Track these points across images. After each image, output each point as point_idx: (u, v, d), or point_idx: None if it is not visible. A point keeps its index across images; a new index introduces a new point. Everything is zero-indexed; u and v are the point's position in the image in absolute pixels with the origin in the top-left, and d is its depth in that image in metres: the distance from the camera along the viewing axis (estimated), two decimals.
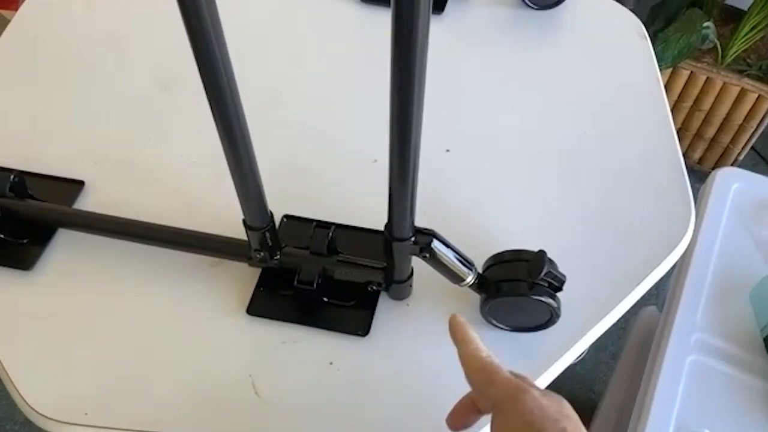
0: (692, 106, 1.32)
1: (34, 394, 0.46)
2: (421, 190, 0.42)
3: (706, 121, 1.33)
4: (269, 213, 0.47)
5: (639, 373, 0.64)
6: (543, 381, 0.48)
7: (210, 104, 0.37)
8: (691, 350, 0.59)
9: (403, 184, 0.41)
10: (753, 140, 1.30)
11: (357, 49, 0.72)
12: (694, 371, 0.57)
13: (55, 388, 0.46)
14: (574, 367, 1.15)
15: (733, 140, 1.32)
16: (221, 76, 0.34)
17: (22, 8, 0.73)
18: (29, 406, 0.46)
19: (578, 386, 1.15)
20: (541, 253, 0.45)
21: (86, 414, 0.45)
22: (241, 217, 0.46)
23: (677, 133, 0.66)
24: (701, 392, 0.57)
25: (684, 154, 1.41)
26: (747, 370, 0.57)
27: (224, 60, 0.34)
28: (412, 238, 0.44)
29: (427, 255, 0.45)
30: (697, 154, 1.40)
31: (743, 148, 1.32)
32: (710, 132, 1.34)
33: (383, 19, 0.74)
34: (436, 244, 0.45)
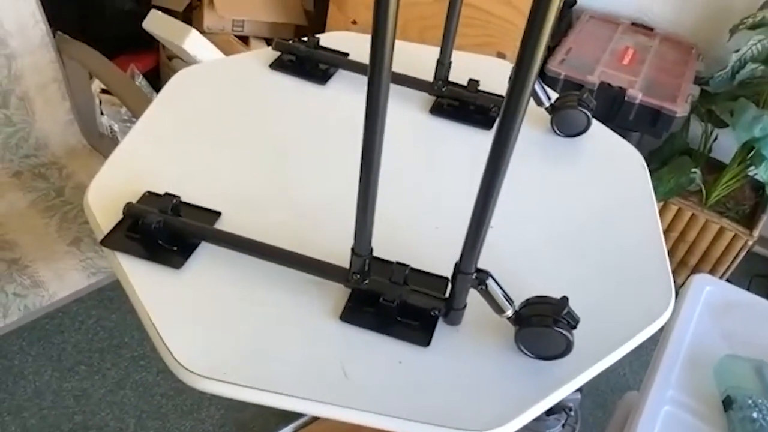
0: (678, 237, 1.54)
1: (184, 355, 0.62)
2: None
3: (689, 251, 1.54)
4: (371, 247, 0.66)
5: None
6: (551, 399, 0.65)
7: (361, 172, 0.58)
8: (666, 402, 0.76)
9: (476, 238, 0.60)
10: (728, 272, 1.51)
11: (424, 149, 0.93)
12: (668, 420, 0.74)
13: (197, 353, 0.63)
14: None
15: (712, 270, 1.52)
16: (375, 159, 0.56)
17: (168, 86, 0.95)
18: (178, 362, 0.62)
19: None
20: (565, 298, 0.64)
21: (224, 373, 0.61)
22: (334, 253, 0.65)
23: None
24: None
25: None
26: (708, 423, 0.74)
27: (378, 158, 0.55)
28: (474, 274, 0.63)
29: (483, 287, 0.63)
30: (681, 279, 1.61)
31: (720, 278, 1.53)
32: (693, 261, 1.55)
33: (446, 127, 0.96)
34: (490, 281, 0.63)
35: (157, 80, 1.79)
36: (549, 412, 1.24)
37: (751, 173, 1.48)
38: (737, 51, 1.49)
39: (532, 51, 0.47)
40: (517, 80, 0.49)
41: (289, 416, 1.34)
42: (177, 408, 1.33)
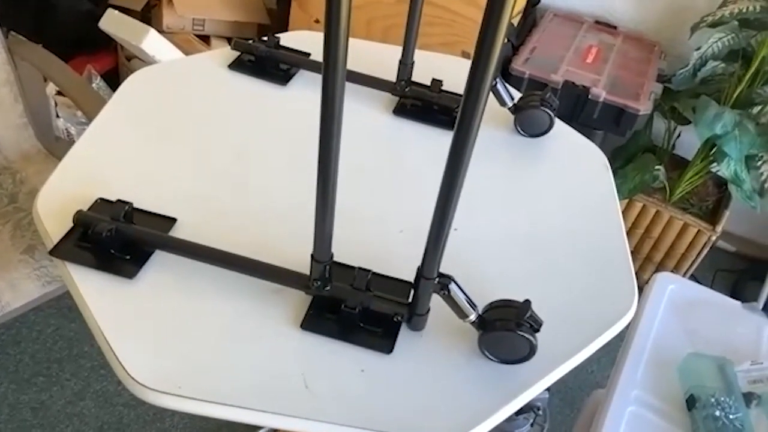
0: (643, 234, 1.55)
1: (136, 369, 0.60)
2: None
3: (654, 247, 1.55)
4: (332, 252, 0.64)
5: None
6: (517, 403, 0.64)
7: (319, 175, 0.56)
8: (631, 402, 0.76)
9: (437, 242, 0.59)
10: (693, 268, 1.53)
11: (388, 151, 0.92)
12: (632, 420, 0.74)
13: (151, 366, 0.60)
14: None
15: (677, 266, 1.54)
16: (332, 162, 0.54)
17: (122, 88, 0.92)
18: (130, 376, 0.60)
19: None
20: (527, 302, 0.63)
21: (179, 387, 0.59)
22: (294, 259, 0.63)
23: (631, 254, 0.85)
24: None
25: (636, 275, 1.63)
26: (672, 423, 0.74)
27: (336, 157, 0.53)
28: (437, 279, 0.62)
29: (446, 292, 0.62)
30: (646, 276, 1.62)
31: (684, 273, 1.55)
32: (658, 257, 1.56)
33: (409, 128, 0.95)
34: (452, 285, 0.62)
35: (116, 81, 1.74)
36: (518, 412, 1.24)
37: (713, 170, 1.50)
38: (698, 49, 1.51)
39: (490, 46, 0.46)
40: (475, 77, 0.48)
41: (257, 425, 1.31)
42: (139, 418, 1.29)
